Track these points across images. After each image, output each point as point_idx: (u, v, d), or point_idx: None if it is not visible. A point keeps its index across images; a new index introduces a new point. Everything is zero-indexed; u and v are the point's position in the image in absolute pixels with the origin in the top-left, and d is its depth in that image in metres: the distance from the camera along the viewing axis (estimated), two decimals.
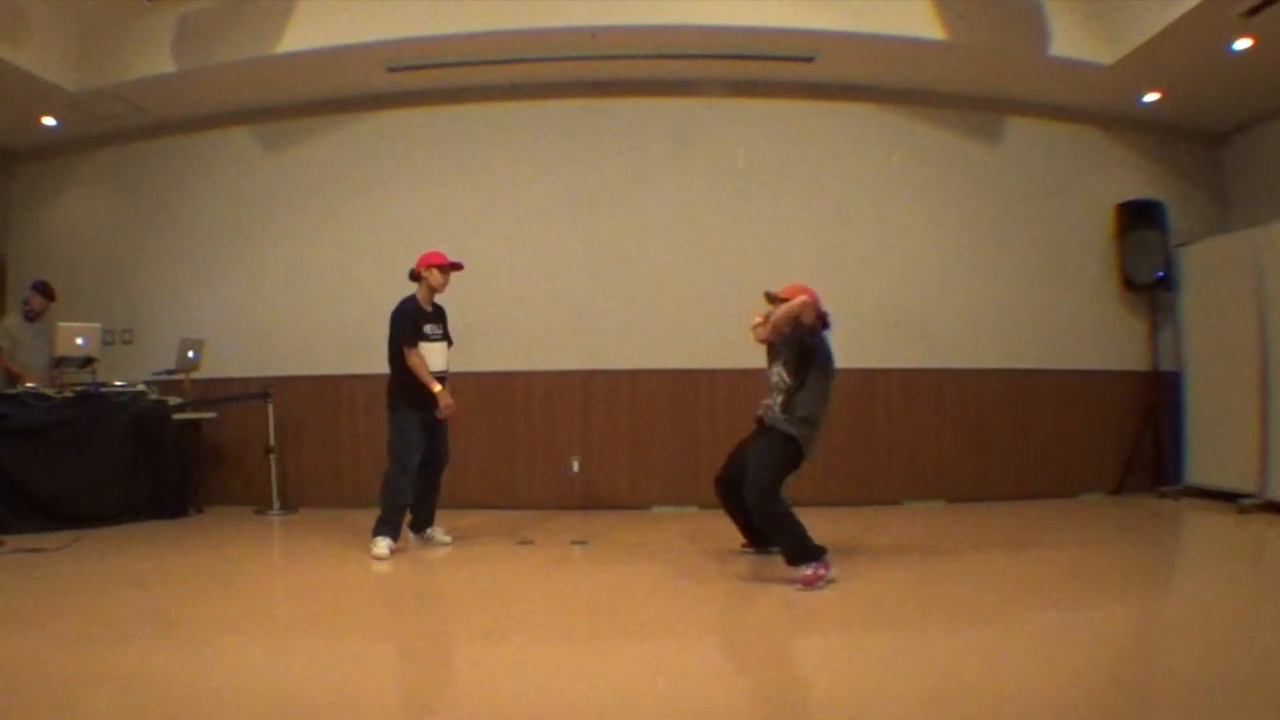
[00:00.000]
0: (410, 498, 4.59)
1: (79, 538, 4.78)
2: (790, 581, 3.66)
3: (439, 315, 4.74)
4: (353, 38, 5.58)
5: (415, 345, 4.53)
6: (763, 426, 4.03)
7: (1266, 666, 2.51)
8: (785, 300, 3.90)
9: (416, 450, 4.52)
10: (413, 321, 4.56)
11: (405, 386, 4.53)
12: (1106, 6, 5.58)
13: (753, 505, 3.82)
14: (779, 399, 3.93)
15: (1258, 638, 2.84)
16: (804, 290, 3.90)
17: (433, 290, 4.65)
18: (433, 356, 4.60)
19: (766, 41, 5.63)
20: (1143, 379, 6.50)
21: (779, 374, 3.97)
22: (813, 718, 2.35)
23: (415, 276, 4.67)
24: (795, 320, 3.79)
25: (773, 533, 3.87)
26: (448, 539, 4.78)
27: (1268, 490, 5.48)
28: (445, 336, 4.74)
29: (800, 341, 3.84)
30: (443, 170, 6.38)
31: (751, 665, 2.86)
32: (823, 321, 3.93)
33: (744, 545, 4.34)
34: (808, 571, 3.65)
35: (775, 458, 3.83)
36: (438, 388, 4.49)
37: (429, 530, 4.79)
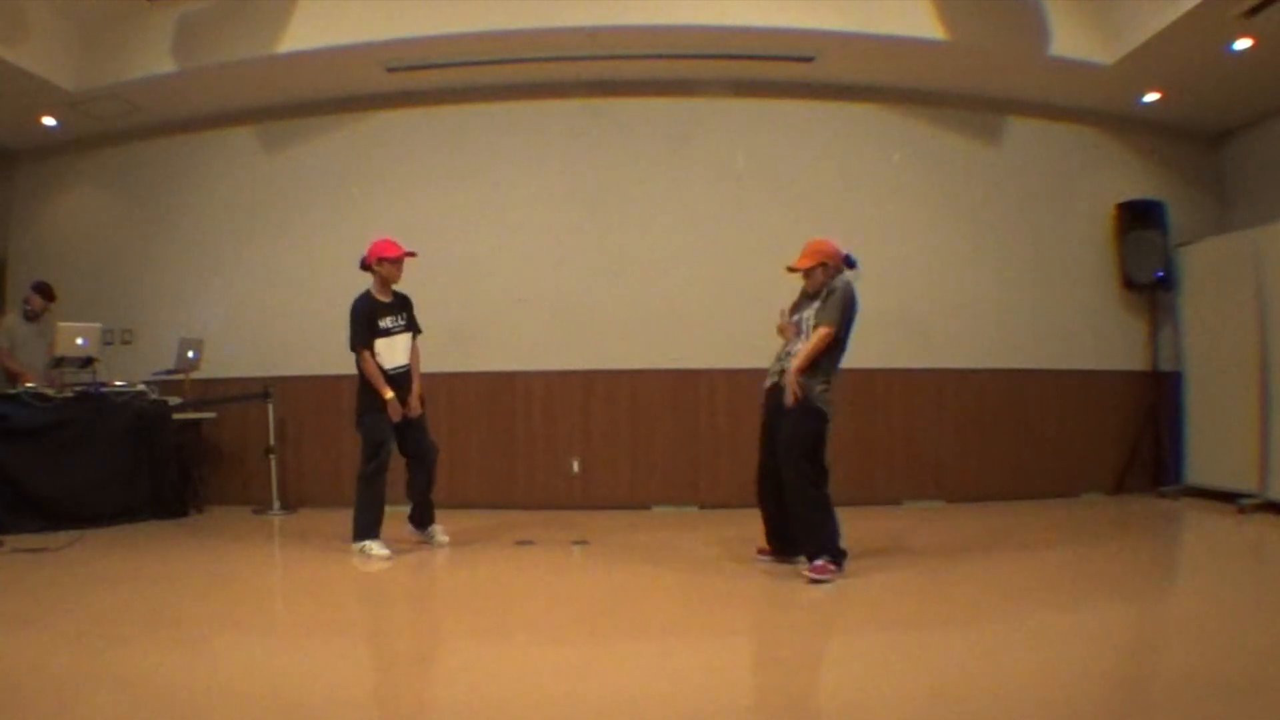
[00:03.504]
0: (384, 491, 4.49)
1: (79, 538, 4.78)
2: (803, 572, 3.72)
3: (400, 305, 4.58)
4: (352, 38, 5.58)
5: (369, 344, 4.42)
6: (778, 397, 3.88)
7: (1267, 666, 2.51)
8: (805, 270, 3.89)
9: (386, 441, 4.43)
10: (367, 318, 4.42)
11: (366, 387, 4.45)
12: (1106, 6, 5.58)
13: (790, 485, 3.75)
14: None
15: (1258, 638, 2.84)
16: (822, 246, 3.91)
17: (386, 281, 4.52)
18: (392, 351, 4.49)
19: (766, 41, 5.63)
20: (1143, 379, 6.50)
21: (809, 324, 3.84)
22: (813, 718, 2.34)
23: (366, 267, 4.52)
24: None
25: (806, 518, 3.76)
26: (446, 539, 4.76)
27: (1268, 490, 5.48)
28: (408, 327, 4.59)
29: (843, 305, 3.78)
30: (442, 170, 6.38)
31: (752, 665, 2.86)
32: (848, 263, 3.92)
33: (761, 551, 4.15)
34: (820, 563, 3.69)
35: (806, 435, 3.75)
36: (389, 395, 4.37)
37: (430, 528, 4.77)
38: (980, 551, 4.54)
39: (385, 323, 4.49)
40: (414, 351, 4.61)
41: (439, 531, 4.77)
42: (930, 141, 6.40)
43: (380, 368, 4.44)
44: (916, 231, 6.33)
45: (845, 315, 3.81)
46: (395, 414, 4.40)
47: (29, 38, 5.57)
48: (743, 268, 6.04)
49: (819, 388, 3.78)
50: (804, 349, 3.78)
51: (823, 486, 3.78)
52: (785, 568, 3.96)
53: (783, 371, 3.88)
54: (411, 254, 4.55)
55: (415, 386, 4.55)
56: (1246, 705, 2.21)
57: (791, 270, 3.96)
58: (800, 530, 3.82)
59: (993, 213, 6.44)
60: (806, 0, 5.47)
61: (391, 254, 4.49)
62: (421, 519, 4.76)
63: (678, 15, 5.43)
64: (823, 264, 3.88)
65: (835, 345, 3.82)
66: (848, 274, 3.95)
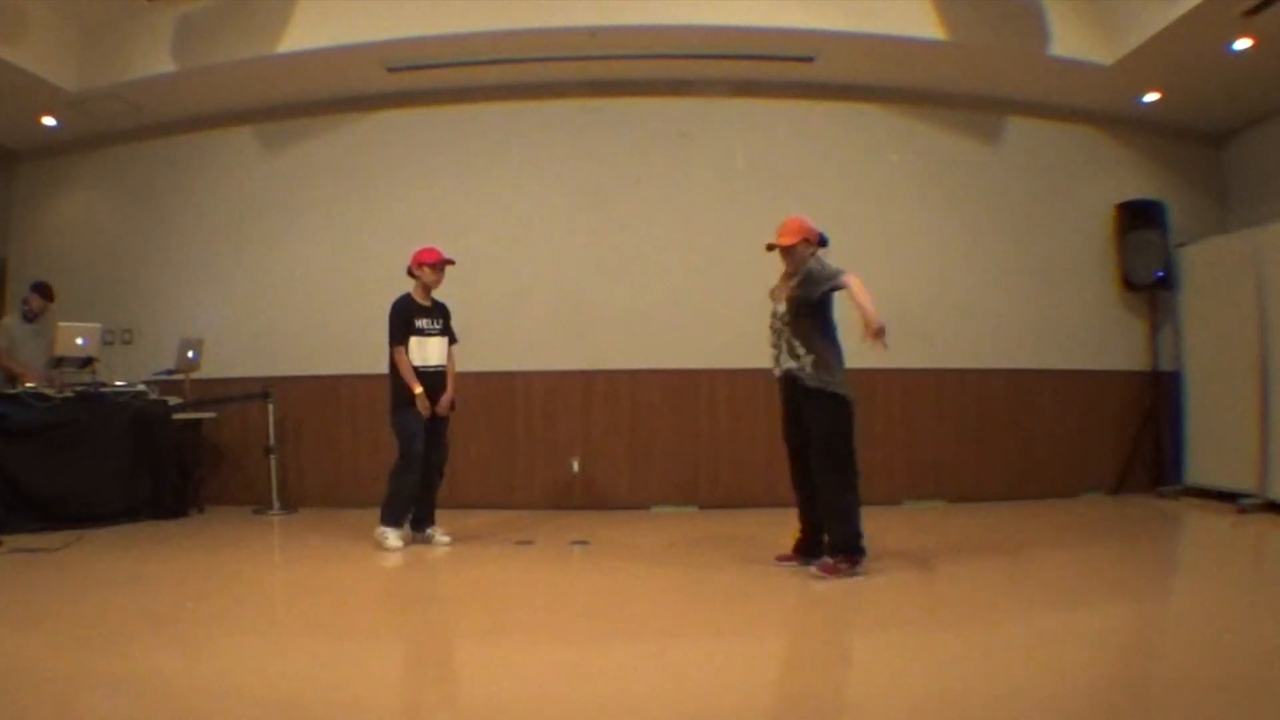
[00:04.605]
0: (416, 481, 4.61)
1: (79, 538, 4.77)
2: (818, 568, 3.76)
3: (438, 311, 4.78)
4: (352, 38, 5.58)
5: (404, 341, 4.60)
6: (793, 388, 3.87)
7: (1267, 666, 2.51)
8: (784, 246, 3.85)
9: (417, 435, 4.58)
10: (404, 317, 4.63)
11: (399, 384, 4.61)
12: (1106, 6, 5.58)
13: (825, 482, 3.76)
14: (788, 333, 3.81)
15: (1258, 638, 2.84)
16: (803, 223, 3.88)
17: (427, 287, 4.72)
18: (428, 350, 4.67)
19: (766, 41, 5.63)
20: (1143, 379, 6.50)
21: (781, 305, 3.85)
22: (813, 717, 2.34)
23: (411, 272, 4.75)
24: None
25: (835, 511, 3.78)
26: (447, 539, 4.78)
27: (1268, 490, 5.48)
28: (444, 331, 4.78)
29: (817, 289, 3.77)
30: (442, 170, 6.38)
31: (751, 665, 2.85)
32: (820, 241, 3.91)
33: (782, 557, 4.02)
34: (833, 562, 3.72)
35: (839, 431, 3.79)
36: (418, 390, 4.54)
37: (429, 530, 4.80)
38: (980, 552, 4.54)
39: (420, 323, 4.68)
40: (450, 358, 4.80)
41: (439, 533, 4.80)
42: (930, 141, 6.40)
43: (412, 365, 4.60)
44: (916, 231, 6.33)
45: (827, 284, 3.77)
46: (424, 409, 4.56)
47: (29, 38, 5.57)
48: (742, 267, 6.00)
49: (834, 376, 3.79)
50: (860, 298, 3.68)
51: (855, 480, 3.82)
52: (786, 569, 3.96)
53: (787, 370, 3.87)
54: (450, 261, 4.74)
55: (450, 389, 4.74)
56: (1246, 705, 2.21)
57: (772, 248, 3.92)
58: (829, 524, 3.83)
59: (993, 213, 6.44)
60: (806, 0, 5.47)
61: (430, 259, 4.70)
62: (421, 521, 4.80)
63: (678, 15, 5.43)
64: (804, 239, 3.87)
65: (827, 325, 3.83)
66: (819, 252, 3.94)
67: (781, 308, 3.90)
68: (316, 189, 6.50)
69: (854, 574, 3.74)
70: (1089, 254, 6.55)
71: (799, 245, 3.86)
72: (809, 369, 3.80)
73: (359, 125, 6.49)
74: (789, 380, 3.91)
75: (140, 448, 5.63)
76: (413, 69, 5.95)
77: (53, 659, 2.67)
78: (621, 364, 6.16)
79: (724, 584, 3.86)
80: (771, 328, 3.98)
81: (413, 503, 4.66)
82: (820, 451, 3.80)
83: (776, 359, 3.95)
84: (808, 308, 3.80)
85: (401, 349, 4.60)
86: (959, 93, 6.35)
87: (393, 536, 4.55)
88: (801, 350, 3.81)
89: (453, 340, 4.83)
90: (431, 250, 4.72)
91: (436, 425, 4.69)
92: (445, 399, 4.69)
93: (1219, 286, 6.08)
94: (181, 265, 6.66)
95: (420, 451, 4.59)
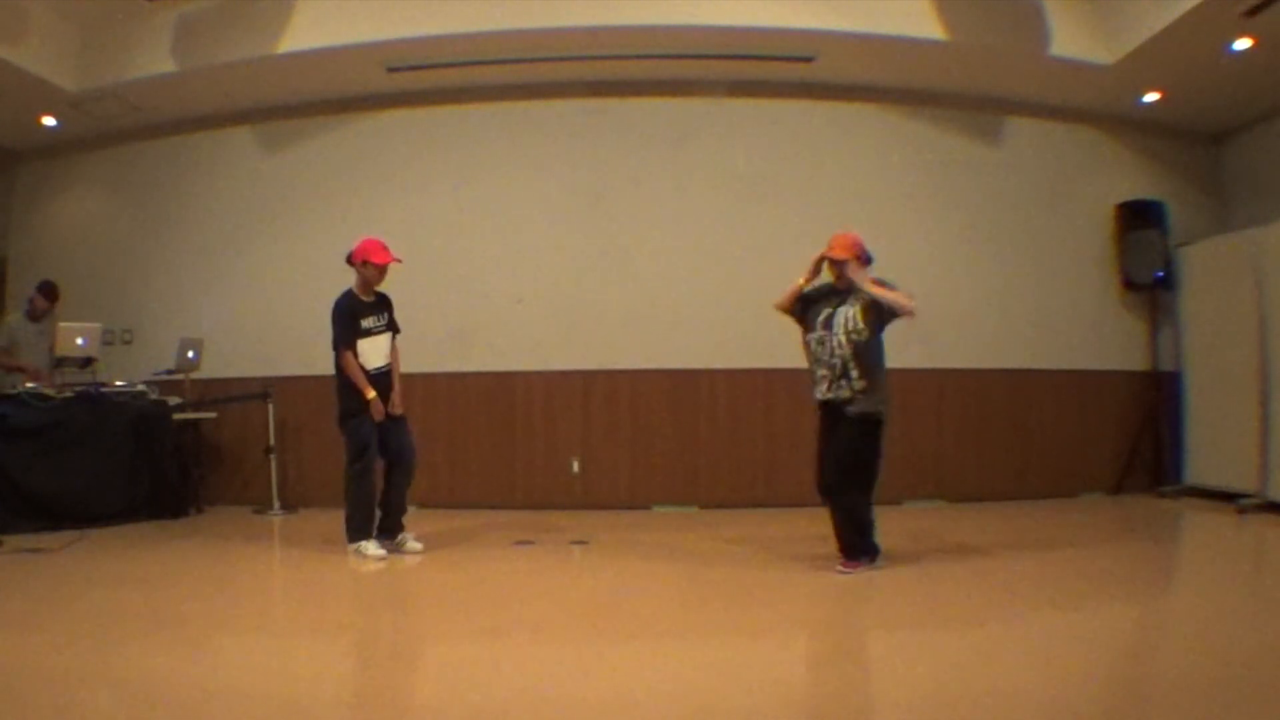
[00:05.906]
0: (375, 490, 4.44)
1: (79, 538, 4.78)
2: (832, 567, 3.83)
3: (381, 305, 4.55)
4: (352, 38, 5.58)
5: (352, 344, 4.38)
6: (833, 410, 3.83)
7: (1266, 666, 2.51)
8: (838, 260, 3.83)
9: (371, 441, 4.38)
10: (351, 318, 4.39)
11: (348, 387, 4.39)
12: (1106, 6, 5.58)
13: (833, 486, 3.78)
14: (849, 353, 3.75)
15: (1257, 638, 2.84)
16: (857, 239, 3.88)
17: (368, 283, 4.48)
18: (375, 351, 4.44)
19: (766, 41, 5.63)
20: (1143, 379, 6.50)
21: (852, 321, 3.77)
22: (813, 717, 2.34)
23: (351, 262, 4.48)
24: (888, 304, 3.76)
25: (845, 514, 3.82)
26: (419, 545, 4.59)
27: (1268, 490, 5.48)
28: (388, 327, 4.55)
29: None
30: (442, 170, 6.37)
31: (752, 665, 2.86)
32: (867, 259, 3.91)
33: (844, 565, 3.86)
34: (854, 562, 3.82)
35: (870, 451, 3.79)
36: (371, 394, 4.32)
37: (400, 536, 4.58)
38: (980, 551, 4.54)
39: (367, 322, 4.46)
40: (394, 351, 4.58)
41: (409, 539, 4.60)
42: (930, 141, 6.40)
43: (362, 368, 4.40)
44: (916, 232, 6.32)
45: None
46: (378, 414, 4.37)
47: (29, 38, 5.57)
48: (742, 267, 6.04)
49: (883, 397, 3.79)
50: (890, 294, 3.73)
51: (871, 495, 3.83)
52: (784, 569, 3.96)
53: (836, 399, 3.81)
54: (397, 260, 4.51)
55: (397, 386, 4.53)
56: (1246, 705, 2.21)
57: (823, 260, 3.89)
58: (842, 526, 3.87)
59: (993, 213, 6.44)
60: (806, 0, 5.47)
61: (378, 259, 4.43)
62: (391, 527, 4.58)
63: (678, 15, 5.43)
64: (857, 257, 3.85)
65: (879, 345, 3.83)
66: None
67: (843, 334, 3.79)
68: (316, 189, 6.50)
69: (872, 567, 3.85)
70: (1089, 254, 6.55)
71: (851, 263, 3.82)
72: (860, 396, 3.76)
73: (359, 125, 6.49)
74: (831, 407, 3.85)
75: (140, 448, 5.63)
76: (413, 69, 5.94)
77: (53, 658, 2.67)
78: (621, 364, 6.16)
79: (724, 584, 3.86)
80: (817, 351, 3.87)
81: (375, 508, 4.44)
82: (847, 465, 3.78)
83: (822, 383, 3.85)
84: (881, 322, 3.79)
85: (350, 353, 4.35)
86: (959, 93, 6.35)
87: (371, 546, 4.34)
88: (856, 373, 3.75)
89: (396, 332, 4.58)
90: (378, 247, 4.43)
91: (396, 425, 4.48)
92: (397, 397, 4.48)
93: (1219, 286, 6.09)
94: (181, 265, 6.66)
95: (374, 458, 4.40)
